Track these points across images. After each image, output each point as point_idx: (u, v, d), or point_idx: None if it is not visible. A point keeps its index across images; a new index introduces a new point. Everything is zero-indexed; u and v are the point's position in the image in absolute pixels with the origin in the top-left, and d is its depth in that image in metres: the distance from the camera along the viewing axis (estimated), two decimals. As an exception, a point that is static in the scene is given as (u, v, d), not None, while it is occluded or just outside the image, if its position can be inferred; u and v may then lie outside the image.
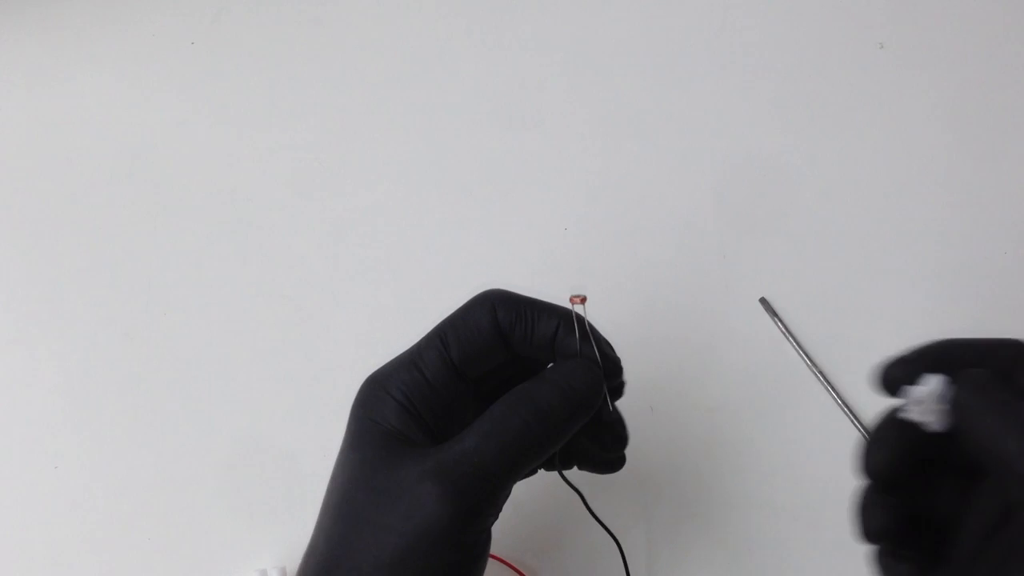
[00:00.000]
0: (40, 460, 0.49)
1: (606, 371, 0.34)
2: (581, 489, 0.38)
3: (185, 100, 0.57)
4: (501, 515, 0.33)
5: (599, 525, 0.39)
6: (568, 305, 0.34)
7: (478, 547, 0.31)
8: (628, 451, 0.38)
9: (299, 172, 0.55)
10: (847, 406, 0.43)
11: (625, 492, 0.45)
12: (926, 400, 0.25)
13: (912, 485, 0.29)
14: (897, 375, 0.28)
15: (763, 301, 0.34)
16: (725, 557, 0.45)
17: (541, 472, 0.38)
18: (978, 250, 0.52)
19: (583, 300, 0.34)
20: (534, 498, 0.30)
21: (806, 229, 0.52)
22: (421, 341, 0.33)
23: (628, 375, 0.36)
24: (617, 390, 0.36)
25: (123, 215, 0.54)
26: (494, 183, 0.55)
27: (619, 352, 0.35)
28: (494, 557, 0.44)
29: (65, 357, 0.51)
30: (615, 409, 0.35)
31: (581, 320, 0.33)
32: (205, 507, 0.48)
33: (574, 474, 0.38)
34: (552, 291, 0.51)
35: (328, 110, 0.57)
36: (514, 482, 0.32)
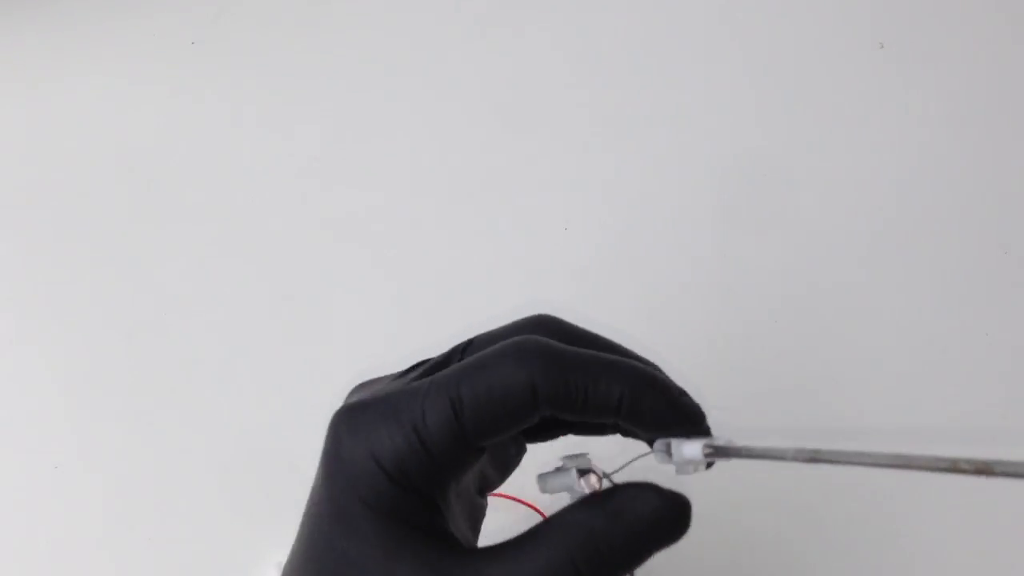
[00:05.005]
0: (40, 460, 0.49)
1: (689, 423, 0.27)
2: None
3: (185, 100, 0.57)
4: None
5: None
6: None
7: None
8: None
9: (300, 172, 0.55)
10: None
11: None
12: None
13: None
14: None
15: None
16: (725, 557, 0.45)
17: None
18: (978, 250, 0.52)
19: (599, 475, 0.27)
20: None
21: (806, 229, 0.52)
22: (423, 387, 0.24)
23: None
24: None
25: (123, 215, 0.54)
26: (494, 182, 0.55)
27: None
28: (509, 497, 0.44)
29: (65, 357, 0.51)
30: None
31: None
32: (205, 508, 0.47)
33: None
34: (552, 290, 0.51)
35: (328, 110, 0.57)
36: None
